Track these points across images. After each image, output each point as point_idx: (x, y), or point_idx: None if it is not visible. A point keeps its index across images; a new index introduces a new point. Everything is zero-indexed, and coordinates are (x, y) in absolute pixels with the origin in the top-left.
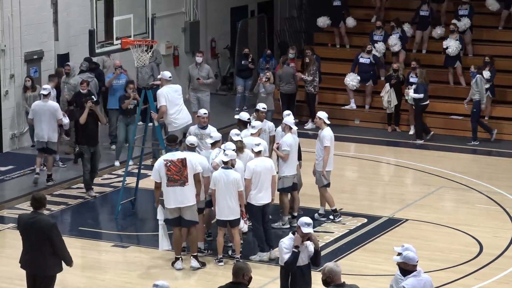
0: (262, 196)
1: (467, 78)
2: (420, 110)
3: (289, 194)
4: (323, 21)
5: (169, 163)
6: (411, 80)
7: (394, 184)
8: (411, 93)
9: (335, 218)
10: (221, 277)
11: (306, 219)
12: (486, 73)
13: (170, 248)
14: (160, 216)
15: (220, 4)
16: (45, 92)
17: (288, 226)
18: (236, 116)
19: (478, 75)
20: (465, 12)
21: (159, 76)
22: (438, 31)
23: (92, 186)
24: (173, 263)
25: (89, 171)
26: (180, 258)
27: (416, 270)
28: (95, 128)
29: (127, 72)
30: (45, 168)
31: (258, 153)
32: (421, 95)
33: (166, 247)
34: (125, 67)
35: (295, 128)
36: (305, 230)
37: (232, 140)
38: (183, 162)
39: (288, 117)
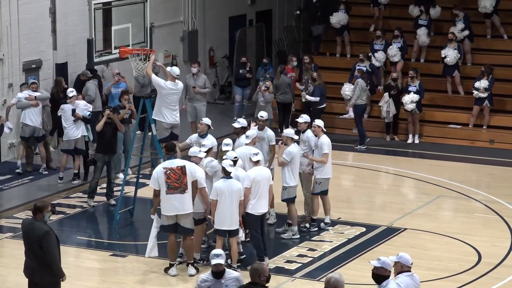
0: (261, 205)
1: (465, 88)
2: (317, 112)
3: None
4: (337, 18)
5: (169, 171)
6: (410, 88)
7: (392, 193)
8: (307, 96)
9: (311, 227)
10: None
11: (216, 251)
12: (484, 82)
13: (157, 255)
14: (157, 223)
15: (219, 13)
16: (70, 94)
17: (298, 236)
18: (236, 125)
19: (358, 79)
20: (461, 24)
21: (168, 68)
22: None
23: (94, 195)
24: (166, 270)
25: (97, 180)
26: (175, 265)
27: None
28: (113, 137)
29: (125, 79)
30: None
31: (256, 163)
32: (317, 98)
33: (154, 254)
34: (124, 75)
35: (295, 137)
36: (213, 261)
37: (222, 150)
38: (182, 169)
39: (287, 130)
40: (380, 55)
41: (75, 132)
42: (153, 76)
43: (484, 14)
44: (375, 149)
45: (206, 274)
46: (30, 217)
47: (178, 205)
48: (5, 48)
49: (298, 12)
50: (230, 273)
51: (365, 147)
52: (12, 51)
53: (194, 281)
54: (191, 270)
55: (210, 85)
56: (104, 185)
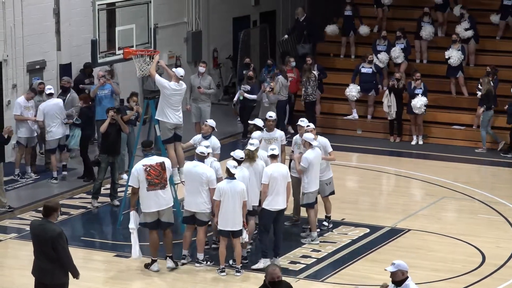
0: (277, 202)
1: (469, 89)
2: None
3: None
4: (332, 30)
5: (149, 168)
6: (416, 91)
7: (396, 194)
8: (245, 94)
9: (329, 225)
10: None
11: None
12: None
13: (141, 257)
14: (133, 223)
15: (222, 14)
16: (50, 91)
17: (318, 242)
18: (251, 122)
19: (279, 76)
20: (466, 24)
21: (173, 69)
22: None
23: (98, 196)
24: (147, 265)
25: (101, 181)
26: (157, 260)
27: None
28: (117, 138)
29: (111, 81)
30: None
31: (274, 158)
32: (255, 96)
33: (138, 256)
34: (128, 77)
35: (315, 143)
36: None
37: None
38: (162, 165)
39: (308, 134)
40: (383, 56)
41: (59, 130)
42: (157, 76)
43: (501, 15)
44: (379, 150)
45: None
46: (40, 219)
47: (160, 201)
48: (9, 49)
49: (286, 36)
50: None
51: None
52: (16, 52)
53: (198, 284)
54: (169, 263)
55: (215, 86)
56: (108, 186)
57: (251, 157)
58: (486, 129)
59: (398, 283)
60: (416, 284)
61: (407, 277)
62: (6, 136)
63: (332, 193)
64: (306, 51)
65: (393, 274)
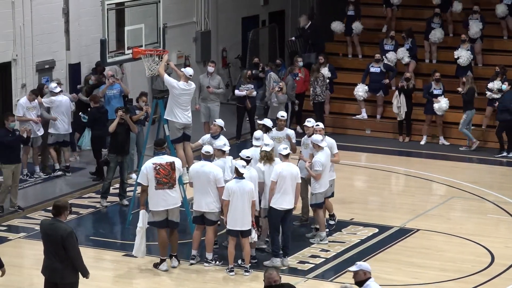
0: (284, 201)
1: (478, 88)
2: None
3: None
4: (337, 26)
5: (158, 166)
6: (435, 92)
7: (405, 194)
8: (236, 91)
9: (335, 221)
10: (232, 287)
11: None
12: (497, 83)
13: (144, 256)
14: (141, 222)
15: (231, 14)
16: (57, 90)
17: (326, 242)
18: (260, 122)
19: (270, 73)
20: (476, 22)
21: (182, 69)
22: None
23: (107, 196)
24: (156, 265)
25: (110, 180)
26: (166, 260)
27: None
28: (126, 138)
29: (120, 81)
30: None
31: (285, 157)
32: (255, 93)
33: (141, 255)
34: (137, 76)
35: (323, 144)
36: None
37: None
38: (171, 165)
39: (316, 136)
40: (391, 55)
41: (64, 126)
42: (166, 76)
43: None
44: (388, 150)
45: None
46: (50, 218)
47: (168, 200)
48: (18, 48)
49: (293, 38)
50: None
51: None
52: (26, 51)
53: (207, 283)
54: (175, 262)
55: (224, 85)
56: (117, 186)
57: (269, 157)
58: (465, 127)
59: (359, 283)
60: (425, 284)
61: (369, 278)
62: (25, 136)
63: (332, 195)
64: (312, 61)
65: (355, 274)
